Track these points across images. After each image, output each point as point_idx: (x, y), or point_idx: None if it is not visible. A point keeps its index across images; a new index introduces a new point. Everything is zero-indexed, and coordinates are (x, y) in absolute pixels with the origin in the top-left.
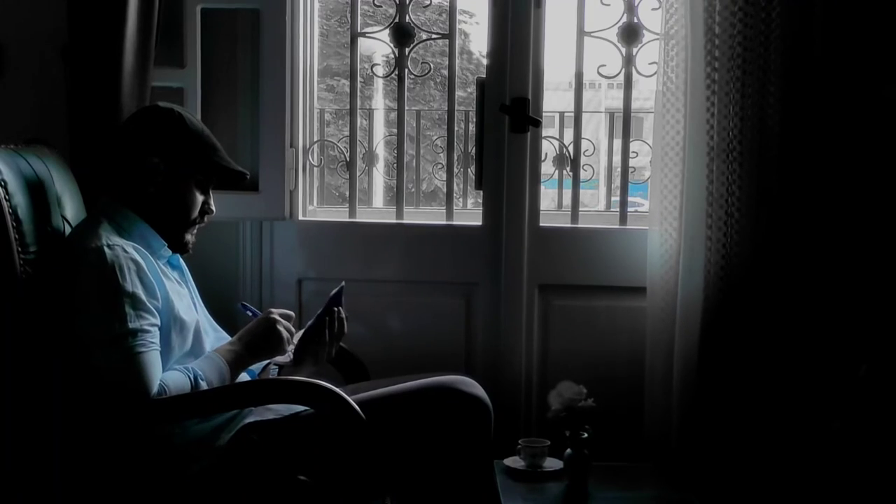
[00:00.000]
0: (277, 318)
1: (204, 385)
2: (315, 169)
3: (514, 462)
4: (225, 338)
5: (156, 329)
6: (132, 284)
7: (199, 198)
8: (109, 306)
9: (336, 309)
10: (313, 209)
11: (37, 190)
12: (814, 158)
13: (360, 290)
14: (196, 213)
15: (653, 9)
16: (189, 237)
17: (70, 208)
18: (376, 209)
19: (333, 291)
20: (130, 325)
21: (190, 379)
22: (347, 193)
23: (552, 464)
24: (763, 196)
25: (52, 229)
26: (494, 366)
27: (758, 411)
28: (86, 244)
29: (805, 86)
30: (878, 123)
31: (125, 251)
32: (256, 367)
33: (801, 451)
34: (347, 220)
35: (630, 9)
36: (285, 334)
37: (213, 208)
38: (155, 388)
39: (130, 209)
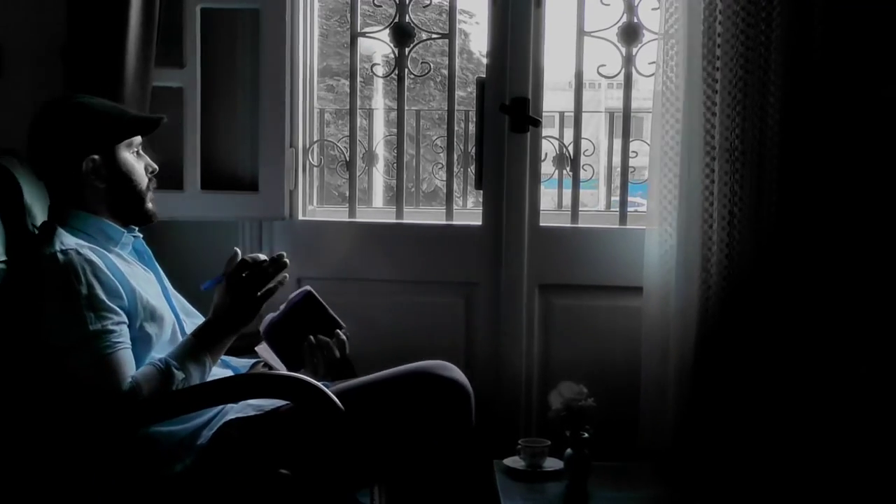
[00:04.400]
0: (238, 282)
1: (177, 371)
2: (315, 169)
3: (514, 462)
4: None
5: (122, 327)
6: (88, 286)
7: (140, 164)
8: (69, 312)
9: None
10: (313, 209)
11: (5, 200)
12: (815, 158)
13: (360, 290)
14: (145, 180)
15: (653, 9)
16: (150, 205)
17: (41, 217)
18: (376, 209)
19: (297, 296)
20: (91, 328)
21: (160, 368)
22: (347, 193)
23: (552, 464)
24: (764, 196)
25: (22, 239)
26: (494, 366)
27: (756, 411)
28: (40, 252)
29: (806, 85)
30: (879, 124)
31: (79, 253)
32: (243, 364)
33: (800, 451)
34: (347, 220)
35: (630, 9)
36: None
37: (155, 165)
38: (125, 387)
39: (80, 209)
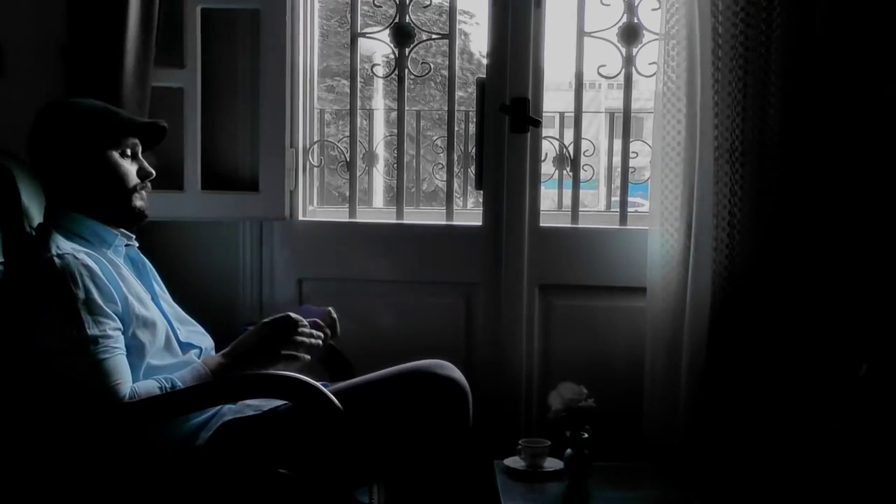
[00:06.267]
0: (270, 332)
1: (179, 385)
2: (315, 169)
3: (514, 462)
4: (197, 330)
5: (118, 333)
6: (86, 290)
7: (131, 166)
8: (65, 315)
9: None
10: (313, 209)
11: (3, 200)
12: (815, 158)
13: (360, 290)
14: (133, 181)
15: (653, 9)
16: (138, 203)
17: (38, 218)
18: (376, 209)
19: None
20: (90, 332)
21: (164, 388)
22: (347, 193)
23: (552, 464)
24: (765, 196)
25: (20, 239)
26: (495, 366)
27: (761, 411)
28: (36, 256)
29: (806, 86)
30: (880, 123)
31: (76, 258)
32: None
33: (803, 451)
34: (347, 220)
35: (630, 9)
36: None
37: (151, 170)
38: (126, 391)
39: (74, 211)
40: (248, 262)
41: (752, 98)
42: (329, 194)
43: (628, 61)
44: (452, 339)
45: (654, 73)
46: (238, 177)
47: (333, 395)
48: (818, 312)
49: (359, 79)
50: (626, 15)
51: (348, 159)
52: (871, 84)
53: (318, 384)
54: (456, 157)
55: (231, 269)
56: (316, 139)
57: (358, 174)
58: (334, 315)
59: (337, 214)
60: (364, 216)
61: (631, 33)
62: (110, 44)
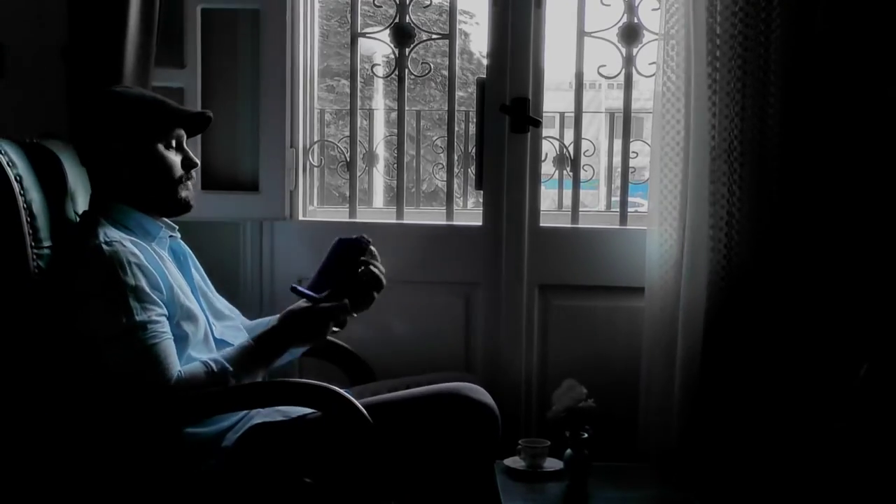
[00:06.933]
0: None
1: (227, 365)
2: (315, 169)
3: (514, 462)
4: (232, 325)
5: (164, 319)
6: (134, 278)
7: (175, 157)
8: (114, 302)
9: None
10: (313, 209)
11: (51, 185)
12: (814, 158)
13: None
14: (178, 172)
15: (653, 9)
16: (184, 193)
17: (83, 203)
18: (376, 209)
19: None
20: (138, 318)
21: (212, 371)
22: (347, 193)
23: (552, 464)
24: (763, 196)
25: (65, 224)
26: (494, 366)
27: (759, 411)
28: (84, 243)
29: (806, 85)
30: (881, 123)
31: (123, 245)
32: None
33: (802, 451)
34: (347, 220)
35: (630, 9)
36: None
37: (196, 160)
38: (174, 375)
39: (120, 201)
40: (249, 262)
41: (750, 98)
42: (329, 194)
43: (628, 61)
44: (452, 338)
45: (654, 74)
46: (238, 177)
47: (364, 408)
48: (818, 312)
49: (359, 79)
50: (626, 15)
51: (348, 159)
52: (876, 83)
53: (350, 396)
54: (456, 157)
55: (231, 269)
56: (316, 139)
57: (358, 174)
58: (368, 238)
59: (337, 214)
60: (364, 216)
61: (631, 33)
62: (111, 44)
